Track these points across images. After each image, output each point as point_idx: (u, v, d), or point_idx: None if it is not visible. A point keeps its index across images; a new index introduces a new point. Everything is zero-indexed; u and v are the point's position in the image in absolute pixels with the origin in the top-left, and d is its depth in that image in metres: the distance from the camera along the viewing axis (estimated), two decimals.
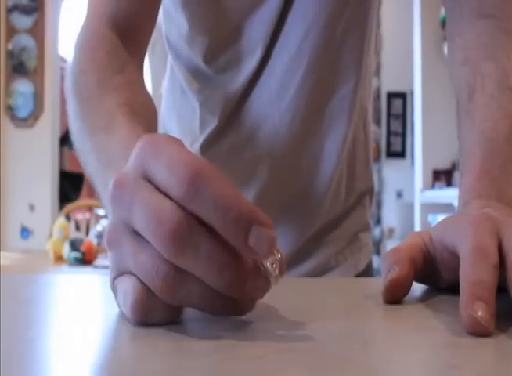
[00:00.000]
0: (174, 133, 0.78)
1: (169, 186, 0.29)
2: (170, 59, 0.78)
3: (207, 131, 0.73)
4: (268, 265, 0.29)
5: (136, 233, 0.30)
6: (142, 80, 0.60)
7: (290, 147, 0.72)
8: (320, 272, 0.77)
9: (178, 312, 0.31)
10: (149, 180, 0.30)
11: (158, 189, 0.29)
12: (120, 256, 0.31)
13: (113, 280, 0.32)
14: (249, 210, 0.27)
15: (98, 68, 0.56)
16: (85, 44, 0.59)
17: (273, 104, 0.71)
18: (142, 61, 0.63)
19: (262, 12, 0.68)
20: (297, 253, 0.75)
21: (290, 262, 0.75)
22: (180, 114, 0.77)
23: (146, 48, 0.63)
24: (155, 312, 0.30)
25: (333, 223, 0.78)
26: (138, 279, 0.30)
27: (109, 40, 0.58)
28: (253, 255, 0.28)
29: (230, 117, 0.73)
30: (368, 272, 0.82)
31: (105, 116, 0.49)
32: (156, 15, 0.64)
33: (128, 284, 0.30)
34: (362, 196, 0.81)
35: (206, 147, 0.74)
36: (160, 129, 0.81)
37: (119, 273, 0.32)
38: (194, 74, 0.74)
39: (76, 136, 0.53)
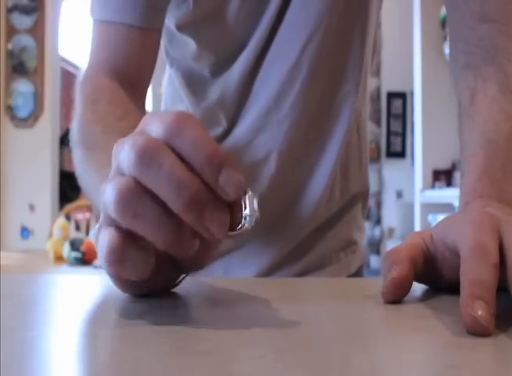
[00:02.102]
0: None
1: (157, 130, 0.31)
2: (169, 69, 0.79)
3: None
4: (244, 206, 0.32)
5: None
6: None
7: (288, 153, 0.72)
8: (313, 270, 0.77)
9: (150, 266, 0.31)
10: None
11: None
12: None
13: (97, 231, 0.33)
14: (222, 154, 0.30)
15: (101, 118, 0.59)
16: (88, 96, 0.62)
17: (271, 112, 0.71)
18: (144, 102, 0.68)
19: (263, 22, 0.68)
20: (291, 253, 0.76)
21: (284, 261, 0.76)
22: None
23: (146, 90, 0.68)
24: (129, 260, 0.31)
25: (327, 224, 0.78)
26: (116, 227, 0.31)
27: (110, 89, 0.62)
28: (223, 194, 0.30)
29: (228, 125, 0.73)
30: (358, 275, 0.82)
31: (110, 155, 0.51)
32: (154, 59, 0.67)
33: (105, 233, 0.32)
34: (355, 198, 0.81)
35: None
36: None
37: (102, 222, 0.33)
38: (192, 85, 0.75)
39: (82, 177, 0.56)
